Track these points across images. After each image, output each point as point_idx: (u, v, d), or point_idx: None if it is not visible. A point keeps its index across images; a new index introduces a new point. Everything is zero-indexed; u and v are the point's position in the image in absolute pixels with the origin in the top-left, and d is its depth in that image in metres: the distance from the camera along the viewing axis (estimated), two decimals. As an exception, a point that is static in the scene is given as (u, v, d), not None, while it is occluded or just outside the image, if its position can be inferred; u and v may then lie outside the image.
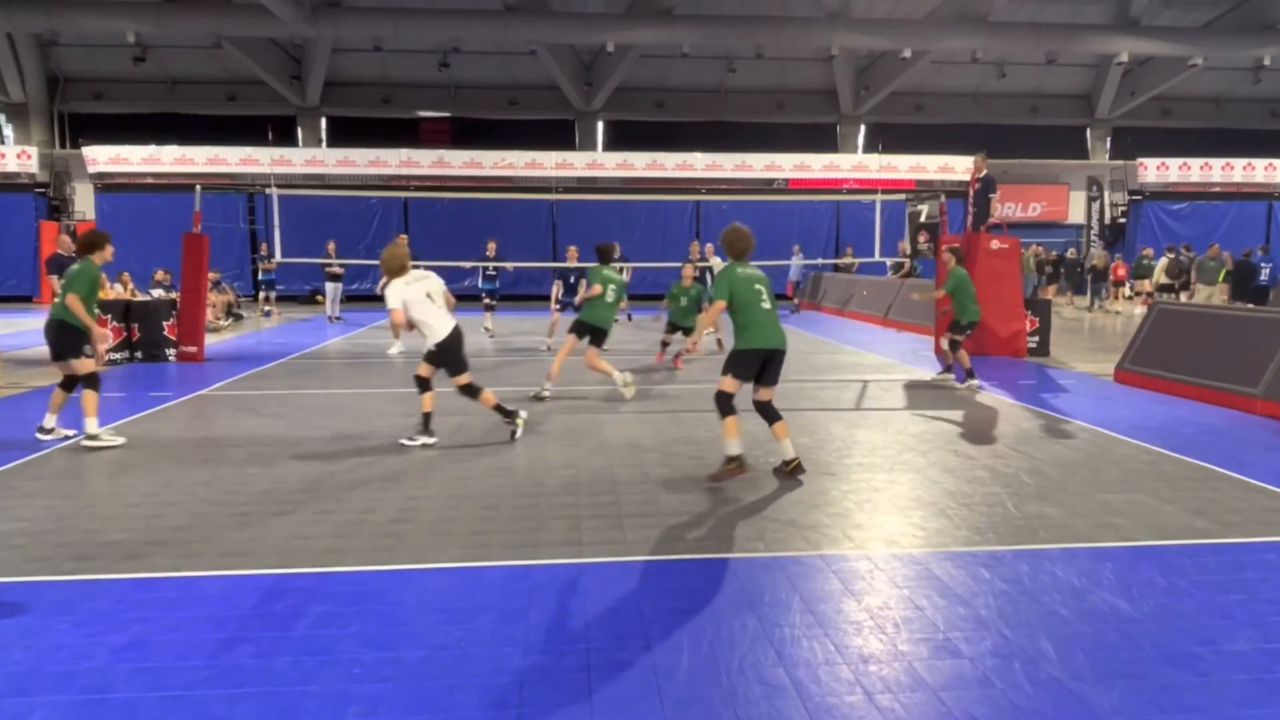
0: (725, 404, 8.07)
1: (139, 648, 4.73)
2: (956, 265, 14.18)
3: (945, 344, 14.20)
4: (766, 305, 8.11)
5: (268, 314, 28.21)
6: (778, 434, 8.28)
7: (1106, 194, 39.63)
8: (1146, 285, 29.45)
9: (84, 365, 9.63)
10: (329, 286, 26.26)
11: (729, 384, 8.06)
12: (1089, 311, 30.19)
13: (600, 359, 12.79)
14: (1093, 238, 38.72)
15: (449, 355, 9.60)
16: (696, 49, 34.85)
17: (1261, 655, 4.62)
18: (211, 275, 24.82)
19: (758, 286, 8.11)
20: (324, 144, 38.31)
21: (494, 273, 22.14)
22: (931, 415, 11.26)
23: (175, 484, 7.98)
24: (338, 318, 25.92)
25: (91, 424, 9.52)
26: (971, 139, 34.28)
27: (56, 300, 9.74)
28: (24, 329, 21.36)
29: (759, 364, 8.07)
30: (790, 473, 8.17)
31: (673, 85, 39.07)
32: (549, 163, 36.08)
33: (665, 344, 16.53)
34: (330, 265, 25.67)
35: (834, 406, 12.17)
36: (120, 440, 9.60)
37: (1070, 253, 33.61)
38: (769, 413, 8.28)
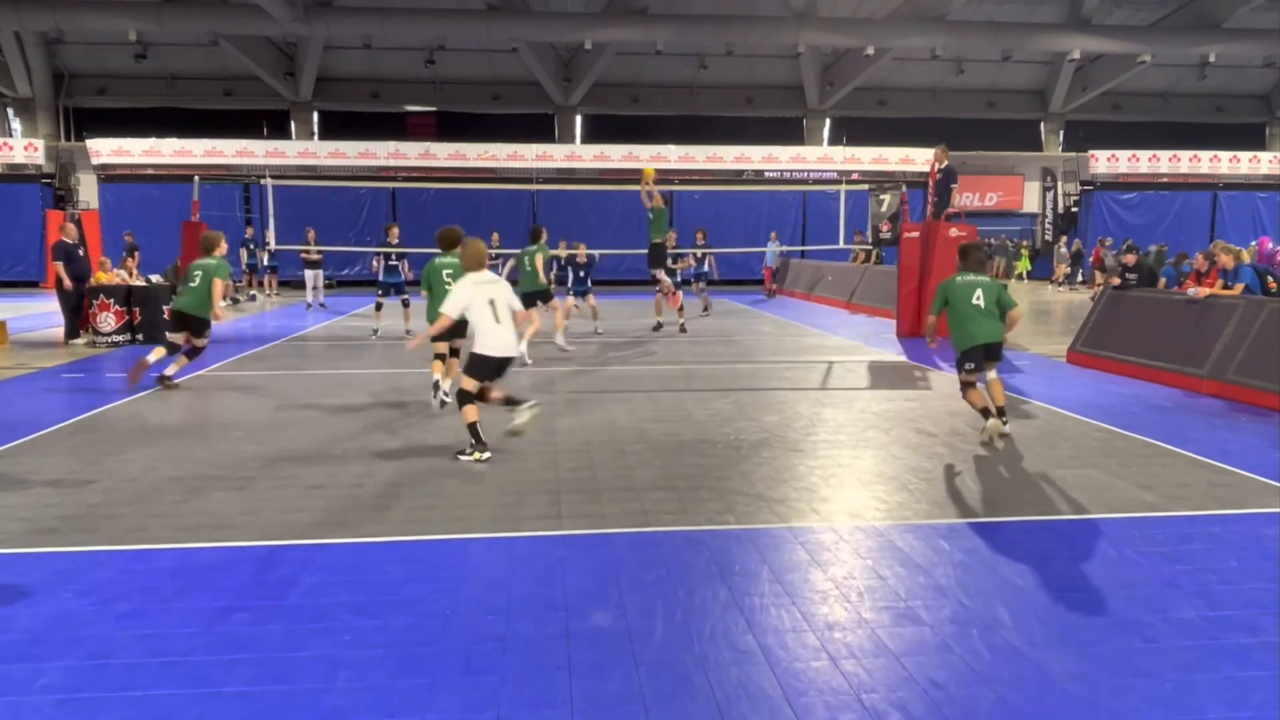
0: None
1: (139, 616, 4.69)
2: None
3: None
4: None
5: (253, 298, 27.89)
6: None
7: (1060, 184, 39.69)
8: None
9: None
10: (308, 274, 25.07)
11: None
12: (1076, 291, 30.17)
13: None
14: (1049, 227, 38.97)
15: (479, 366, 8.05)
16: (669, 46, 34.64)
17: (1207, 622, 4.63)
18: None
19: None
20: (316, 137, 37.98)
21: (395, 263, 18.12)
22: (894, 395, 11.27)
23: (174, 460, 7.90)
24: (322, 305, 24.93)
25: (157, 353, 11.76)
26: (931, 132, 34.20)
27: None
28: (31, 312, 21.13)
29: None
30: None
31: (647, 81, 38.89)
32: (530, 155, 35.97)
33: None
34: (307, 252, 24.85)
35: (801, 386, 12.17)
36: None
37: (999, 239, 34.14)
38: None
